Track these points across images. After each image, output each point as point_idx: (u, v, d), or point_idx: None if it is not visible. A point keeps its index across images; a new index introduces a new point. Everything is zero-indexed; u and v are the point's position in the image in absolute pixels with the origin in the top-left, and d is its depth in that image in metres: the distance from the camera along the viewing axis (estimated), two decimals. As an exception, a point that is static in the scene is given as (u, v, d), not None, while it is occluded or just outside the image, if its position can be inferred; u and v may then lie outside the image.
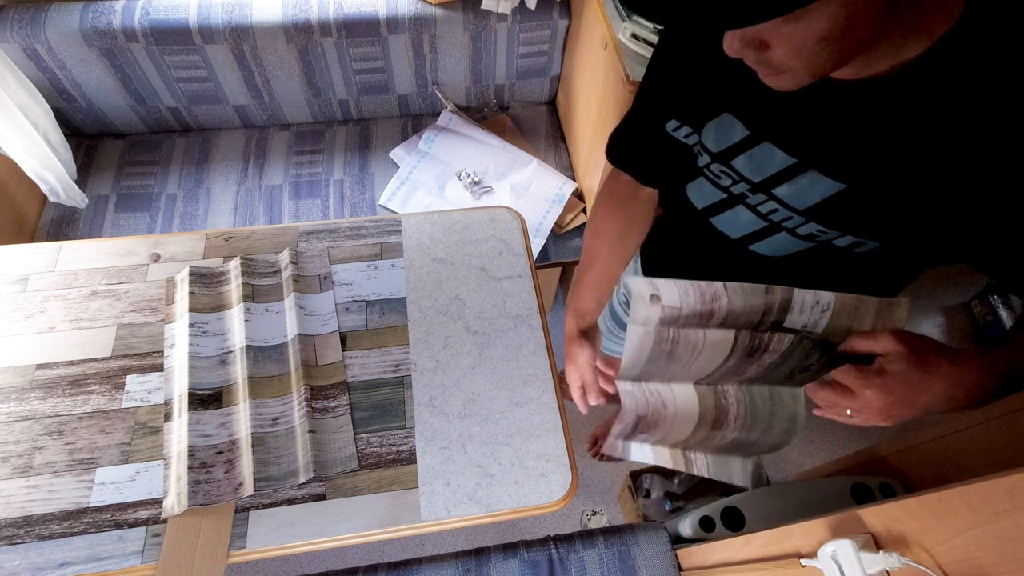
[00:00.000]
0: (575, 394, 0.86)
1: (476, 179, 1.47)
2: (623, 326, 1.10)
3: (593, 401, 0.83)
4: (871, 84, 0.47)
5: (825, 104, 0.50)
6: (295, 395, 0.87)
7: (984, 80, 0.44)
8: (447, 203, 1.45)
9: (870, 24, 0.41)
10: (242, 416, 0.85)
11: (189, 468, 0.79)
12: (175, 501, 0.79)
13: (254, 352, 0.90)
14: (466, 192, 1.46)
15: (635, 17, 1.19)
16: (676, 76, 0.63)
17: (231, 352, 0.91)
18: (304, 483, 0.82)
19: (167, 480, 0.81)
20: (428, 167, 1.49)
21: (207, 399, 0.86)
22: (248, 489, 0.79)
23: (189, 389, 0.86)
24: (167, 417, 0.85)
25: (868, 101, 0.49)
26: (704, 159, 0.65)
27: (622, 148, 0.79)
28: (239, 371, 0.88)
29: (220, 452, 0.82)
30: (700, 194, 0.71)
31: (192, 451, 0.81)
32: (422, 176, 1.48)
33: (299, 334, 0.91)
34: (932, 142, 0.48)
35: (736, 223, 0.68)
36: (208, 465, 0.81)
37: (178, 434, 0.83)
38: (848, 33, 0.41)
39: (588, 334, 0.85)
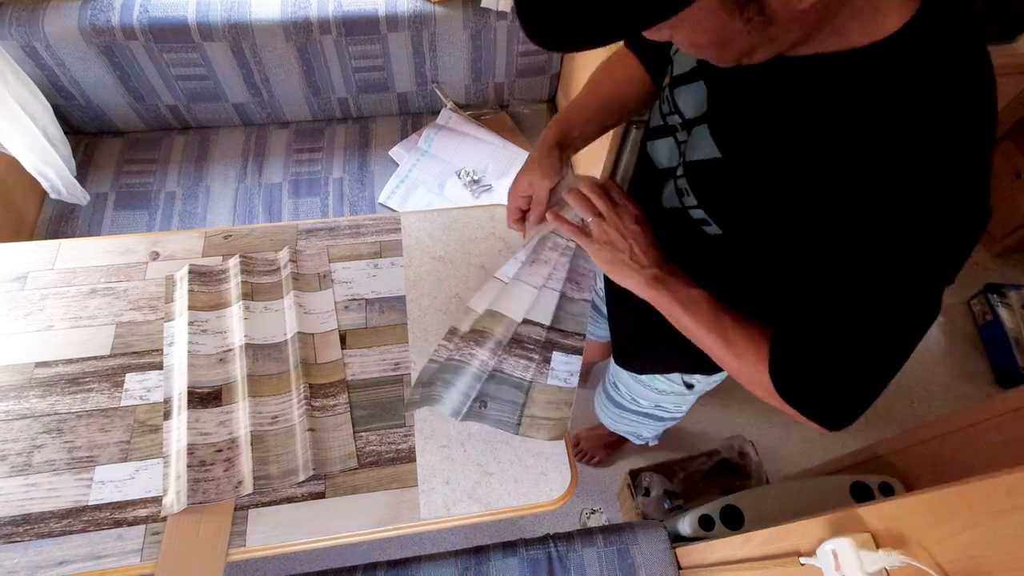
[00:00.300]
0: (511, 204, 0.79)
1: (476, 177, 1.46)
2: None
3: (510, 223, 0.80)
4: (792, 66, 0.45)
5: (753, 71, 0.47)
6: (294, 393, 0.87)
7: (882, 113, 0.43)
8: (446, 201, 1.45)
9: (729, 33, 0.41)
10: (241, 414, 0.85)
11: (188, 466, 0.79)
12: (174, 499, 0.79)
13: (253, 350, 0.89)
14: (465, 190, 1.46)
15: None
16: None
17: (230, 350, 0.90)
18: (303, 481, 0.82)
19: (166, 478, 0.81)
20: (427, 165, 1.49)
21: (206, 397, 0.86)
22: (247, 487, 0.79)
23: (188, 387, 0.86)
24: (166, 415, 0.85)
25: (783, 82, 0.47)
26: (666, 80, 0.63)
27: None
28: (238, 369, 0.88)
29: (219, 450, 0.82)
30: (653, 116, 0.69)
31: (191, 449, 0.81)
32: (421, 174, 1.48)
33: (298, 332, 0.91)
34: (806, 148, 0.47)
35: (661, 153, 0.66)
36: (207, 463, 0.81)
37: (177, 432, 0.83)
38: (717, 43, 0.41)
39: (561, 153, 0.74)
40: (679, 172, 0.62)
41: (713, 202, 0.58)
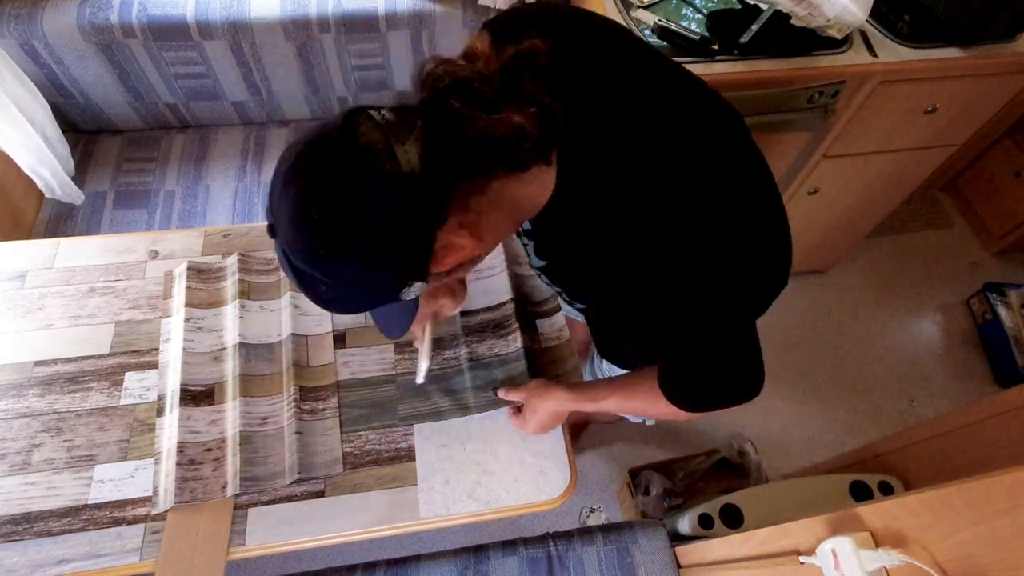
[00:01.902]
0: (421, 320, 0.85)
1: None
2: None
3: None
4: (539, 215, 0.62)
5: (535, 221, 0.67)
6: (285, 395, 0.87)
7: (580, 215, 0.60)
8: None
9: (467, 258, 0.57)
10: (232, 414, 0.85)
11: (177, 464, 0.79)
12: (163, 497, 0.79)
13: (246, 349, 0.89)
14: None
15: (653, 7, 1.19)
16: None
17: (224, 349, 0.90)
18: (303, 480, 0.82)
19: (156, 475, 0.81)
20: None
21: (199, 396, 0.86)
22: (233, 488, 0.79)
23: (182, 385, 0.85)
24: (159, 412, 0.85)
25: (541, 222, 0.64)
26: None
27: None
28: (230, 368, 0.88)
29: (209, 449, 0.82)
30: None
31: (181, 447, 0.81)
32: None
33: (292, 334, 0.91)
34: (572, 244, 0.65)
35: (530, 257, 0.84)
36: (196, 462, 0.81)
37: (169, 430, 0.83)
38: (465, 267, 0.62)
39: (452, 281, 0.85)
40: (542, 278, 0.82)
41: (564, 287, 0.77)
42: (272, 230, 0.51)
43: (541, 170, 0.56)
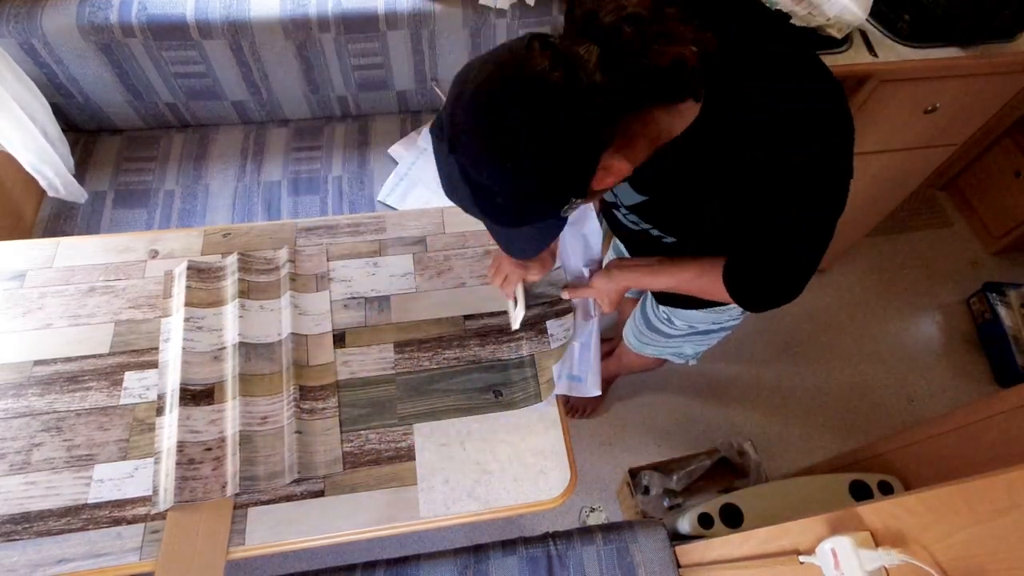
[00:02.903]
0: (507, 280, 0.92)
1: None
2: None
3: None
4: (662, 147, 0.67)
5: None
6: (285, 395, 0.87)
7: (712, 147, 0.64)
8: (446, 199, 1.45)
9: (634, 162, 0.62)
10: (231, 413, 0.85)
11: (177, 464, 0.79)
12: (162, 497, 0.79)
13: (246, 349, 0.89)
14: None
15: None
16: None
17: (224, 348, 0.90)
18: (302, 480, 0.82)
19: (156, 475, 0.81)
20: (427, 164, 1.48)
21: (199, 395, 0.86)
22: (233, 488, 0.79)
23: (181, 384, 0.85)
24: (159, 411, 0.85)
25: (659, 155, 0.68)
26: None
27: None
28: (230, 368, 0.88)
29: (209, 449, 0.82)
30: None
31: (181, 447, 0.81)
32: (421, 173, 1.47)
33: (292, 333, 0.91)
34: (689, 177, 0.70)
35: (616, 216, 0.92)
36: (196, 462, 0.81)
37: (168, 429, 0.83)
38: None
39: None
40: (621, 208, 0.85)
41: (659, 223, 0.82)
42: (452, 145, 0.55)
43: (688, 103, 0.61)
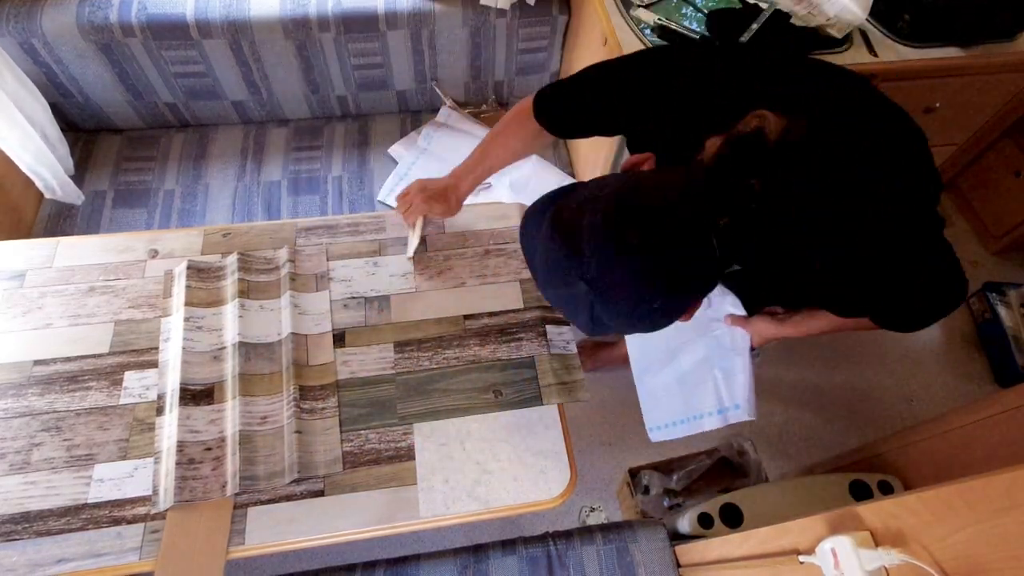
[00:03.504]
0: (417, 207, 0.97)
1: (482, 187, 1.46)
2: None
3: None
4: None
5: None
6: (285, 394, 0.87)
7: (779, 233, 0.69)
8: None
9: None
10: (231, 413, 0.85)
11: (177, 463, 0.79)
12: (162, 496, 0.79)
13: (246, 349, 0.89)
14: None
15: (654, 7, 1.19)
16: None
17: (224, 348, 0.90)
18: (302, 480, 0.81)
19: (156, 475, 0.81)
20: (427, 164, 1.48)
21: (199, 395, 0.86)
22: (233, 487, 0.79)
23: (181, 384, 0.85)
24: (159, 411, 0.85)
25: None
26: None
27: (554, 110, 0.87)
28: (230, 368, 0.88)
29: (209, 449, 0.82)
30: None
31: (181, 447, 0.81)
32: (421, 173, 1.47)
33: (292, 333, 0.91)
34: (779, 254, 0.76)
35: None
36: (196, 461, 0.81)
37: (168, 429, 0.83)
38: None
39: (451, 196, 0.97)
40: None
41: (739, 291, 0.95)
42: (590, 282, 0.58)
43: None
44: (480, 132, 1.52)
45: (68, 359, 0.89)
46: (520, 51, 1.50)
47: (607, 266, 0.56)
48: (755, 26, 1.15)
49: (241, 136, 1.54)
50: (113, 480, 0.81)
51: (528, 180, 1.46)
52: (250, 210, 1.44)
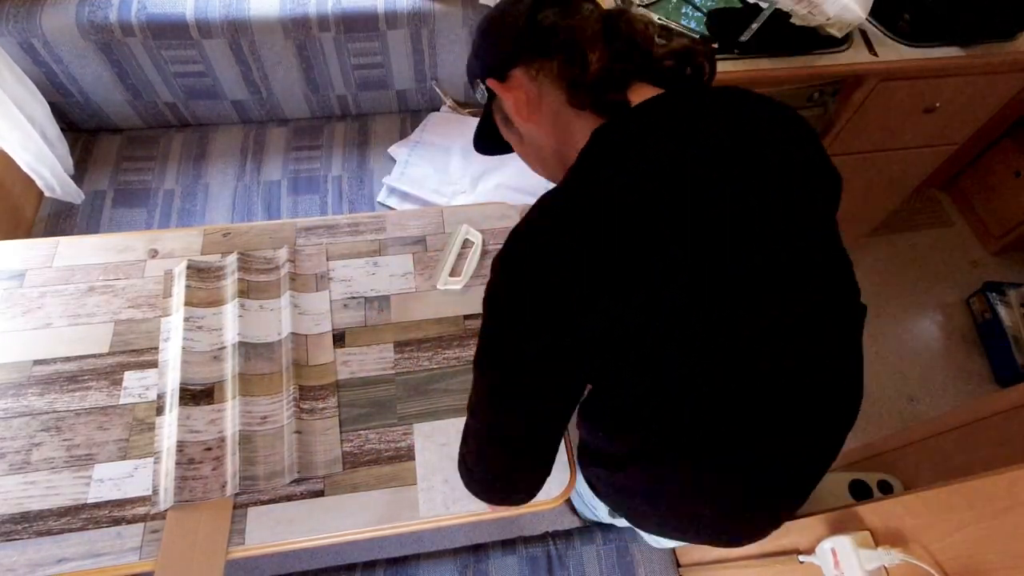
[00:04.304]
0: None
1: (475, 175, 1.46)
2: None
3: None
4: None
5: None
6: (285, 394, 0.87)
7: None
8: (445, 199, 1.45)
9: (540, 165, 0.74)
10: (231, 413, 0.85)
11: (176, 464, 0.79)
12: (162, 496, 0.79)
13: (246, 349, 0.89)
14: (464, 189, 1.45)
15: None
16: None
17: (224, 348, 0.90)
18: (302, 480, 0.81)
19: (156, 475, 0.81)
20: (427, 164, 1.48)
21: (199, 394, 0.86)
22: (232, 487, 0.79)
23: (181, 384, 0.85)
24: (159, 411, 0.85)
25: None
26: None
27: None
28: (230, 367, 0.88)
29: (209, 448, 0.82)
30: None
31: (181, 447, 0.81)
32: (421, 172, 1.47)
33: (292, 333, 0.91)
34: None
35: None
36: (196, 461, 0.81)
37: (168, 429, 0.83)
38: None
39: None
40: None
41: None
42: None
43: (588, 118, 0.61)
44: (480, 132, 1.53)
45: (68, 359, 0.89)
46: (520, 51, 1.50)
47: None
48: (755, 26, 1.15)
49: (241, 136, 1.54)
50: (113, 480, 0.81)
51: (524, 172, 1.46)
52: (250, 210, 1.44)
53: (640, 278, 0.50)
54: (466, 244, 1.03)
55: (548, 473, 0.63)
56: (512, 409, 0.58)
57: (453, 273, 0.99)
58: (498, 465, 0.63)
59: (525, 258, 0.53)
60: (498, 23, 0.67)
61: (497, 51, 0.67)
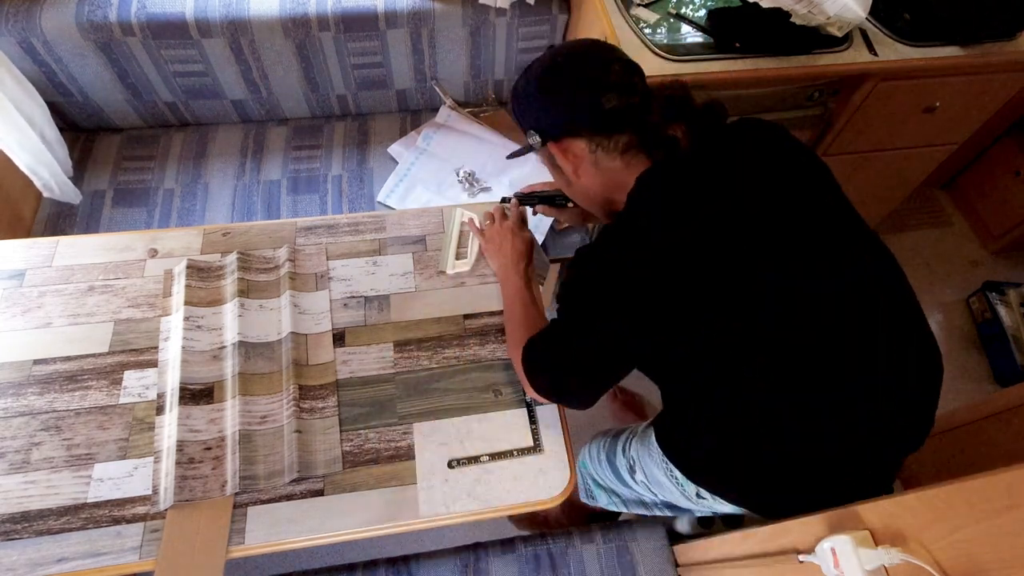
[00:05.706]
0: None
1: (475, 176, 1.46)
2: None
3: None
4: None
5: None
6: (284, 394, 0.87)
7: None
8: (445, 199, 1.45)
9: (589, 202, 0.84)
10: (231, 412, 0.85)
11: (177, 463, 0.79)
12: (162, 496, 0.79)
13: (246, 348, 0.89)
14: (464, 189, 1.45)
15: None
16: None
17: (224, 347, 0.90)
18: (302, 479, 0.81)
19: (156, 474, 0.81)
20: (427, 163, 1.48)
21: (199, 394, 0.86)
22: (232, 487, 0.79)
23: (181, 383, 0.85)
24: (159, 410, 0.85)
25: None
26: None
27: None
28: (230, 367, 0.88)
29: (208, 448, 0.82)
30: None
31: (180, 446, 0.81)
32: (421, 172, 1.47)
33: (292, 332, 0.91)
34: None
35: None
36: (196, 461, 0.81)
37: (168, 428, 0.83)
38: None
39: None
40: None
41: None
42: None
43: (632, 160, 0.75)
44: (480, 131, 1.52)
45: (68, 358, 0.89)
46: (520, 50, 1.50)
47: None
48: (755, 26, 1.15)
49: (241, 135, 1.54)
50: (113, 479, 0.81)
51: (528, 179, 1.46)
52: (250, 209, 1.44)
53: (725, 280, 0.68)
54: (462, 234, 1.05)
55: (593, 396, 0.78)
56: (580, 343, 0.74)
57: (458, 256, 1.01)
58: (557, 358, 0.77)
59: (613, 261, 0.71)
60: (562, 94, 0.74)
61: (560, 121, 0.75)
